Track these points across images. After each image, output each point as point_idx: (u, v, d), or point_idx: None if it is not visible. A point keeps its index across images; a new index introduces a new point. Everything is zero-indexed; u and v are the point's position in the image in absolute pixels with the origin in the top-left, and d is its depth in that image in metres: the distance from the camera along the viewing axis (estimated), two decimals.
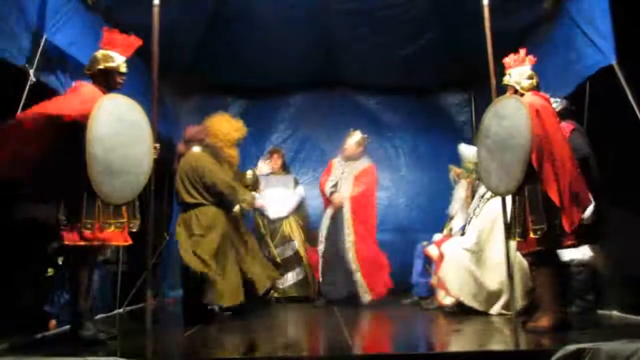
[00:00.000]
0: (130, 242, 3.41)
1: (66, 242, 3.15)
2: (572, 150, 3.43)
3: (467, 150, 4.91)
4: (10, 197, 3.20)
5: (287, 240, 5.59)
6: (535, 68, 3.62)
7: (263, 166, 5.22)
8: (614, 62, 3.70)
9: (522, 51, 3.65)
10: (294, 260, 5.57)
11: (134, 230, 3.41)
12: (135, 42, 3.45)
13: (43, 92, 3.42)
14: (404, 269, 5.85)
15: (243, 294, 4.30)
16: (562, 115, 3.91)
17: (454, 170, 5.15)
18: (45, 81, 3.60)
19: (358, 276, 5.08)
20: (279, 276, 5.07)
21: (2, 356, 2.76)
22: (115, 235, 3.28)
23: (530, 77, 3.56)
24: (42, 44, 3.51)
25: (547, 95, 3.58)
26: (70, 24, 3.86)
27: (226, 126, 4.63)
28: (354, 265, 5.08)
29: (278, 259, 5.49)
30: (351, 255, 5.10)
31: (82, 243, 3.16)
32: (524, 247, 3.45)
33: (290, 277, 5.54)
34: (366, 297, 5.08)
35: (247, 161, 5.40)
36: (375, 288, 5.13)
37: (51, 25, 3.63)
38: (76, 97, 3.15)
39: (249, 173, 4.90)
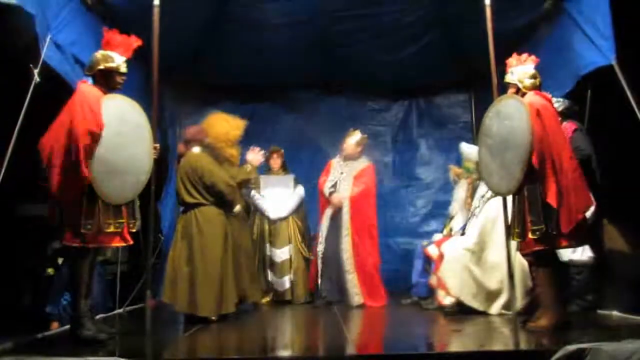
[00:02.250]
0: (130, 242, 3.41)
1: (66, 243, 3.16)
2: (574, 150, 3.43)
3: (468, 150, 4.90)
4: (11, 198, 3.20)
5: (288, 242, 5.57)
6: (535, 67, 3.62)
7: (254, 157, 4.85)
8: (613, 62, 3.70)
9: (525, 55, 3.64)
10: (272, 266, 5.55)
11: (134, 230, 3.42)
12: (135, 42, 3.45)
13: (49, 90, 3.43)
14: (403, 270, 5.87)
15: (233, 303, 4.24)
16: (564, 115, 3.92)
17: (454, 170, 5.15)
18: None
19: (352, 277, 5.07)
20: (260, 296, 4.90)
21: (3, 356, 2.76)
22: (115, 235, 3.29)
23: (533, 77, 3.55)
24: (46, 43, 3.51)
25: (549, 96, 3.57)
26: (72, 23, 3.88)
27: (225, 126, 4.59)
28: (348, 265, 5.08)
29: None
30: (347, 255, 5.10)
31: (82, 244, 3.16)
32: (524, 247, 3.45)
33: (288, 280, 5.49)
34: (357, 298, 5.04)
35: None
36: (368, 293, 5.09)
37: (55, 25, 3.64)
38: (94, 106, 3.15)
39: (247, 166, 4.81)
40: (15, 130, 3.20)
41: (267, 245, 5.53)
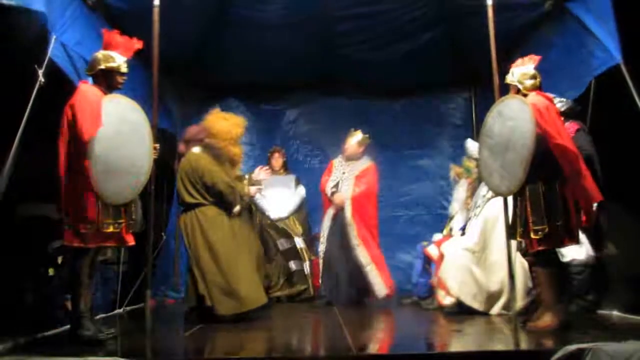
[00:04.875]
0: (129, 243, 3.41)
1: (66, 243, 3.16)
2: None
3: (473, 147, 4.76)
4: (12, 197, 3.20)
5: (287, 235, 5.60)
6: (539, 68, 3.59)
7: (260, 172, 4.93)
8: (620, 62, 3.69)
9: (532, 57, 3.64)
10: (292, 254, 5.60)
11: (138, 230, 3.42)
12: (136, 44, 3.45)
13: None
14: (404, 270, 5.88)
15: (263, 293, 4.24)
16: (567, 115, 3.91)
17: (455, 169, 5.14)
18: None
19: (371, 269, 5.05)
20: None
21: (3, 356, 2.77)
22: (114, 235, 3.28)
23: (533, 77, 3.53)
24: (51, 44, 3.50)
25: (551, 96, 3.57)
26: (77, 23, 3.88)
27: (225, 124, 4.57)
28: (365, 260, 5.05)
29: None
30: (361, 251, 5.07)
31: (82, 244, 3.16)
32: (527, 247, 3.45)
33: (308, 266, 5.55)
34: (382, 290, 5.03)
35: (248, 161, 5.39)
36: (388, 283, 5.11)
37: (59, 26, 3.64)
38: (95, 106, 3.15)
39: (245, 184, 4.82)
40: (19, 131, 3.19)
41: (282, 239, 5.56)
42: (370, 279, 5.06)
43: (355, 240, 5.12)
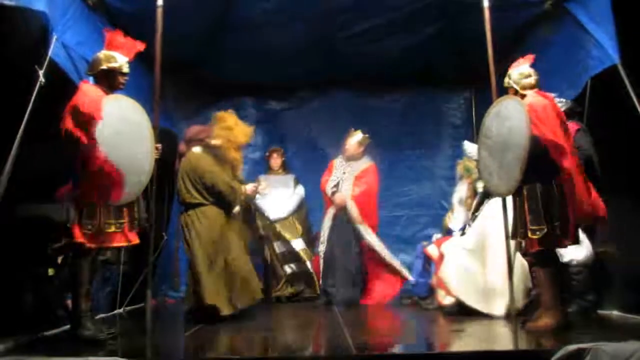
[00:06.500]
0: (132, 242, 3.41)
1: (67, 242, 3.16)
2: (576, 149, 3.42)
3: (471, 149, 4.81)
4: (12, 197, 3.20)
5: (296, 235, 5.61)
6: (537, 67, 3.59)
7: (251, 188, 4.72)
8: (618, 62, 3.69)
9: (529, 56, 3.63)
10: (292, 258, 5.61)
11: (143, 228, 3.43)
12: (139, 45, 3.45)
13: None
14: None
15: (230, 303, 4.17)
16: (567, 115, 3.91)
17: (461, 164, 5.11)
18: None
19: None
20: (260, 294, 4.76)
21: (3, 356, 2.77)
22: (116, 235, 3.28)
23: (529, 75, 3.53)
24: (52, 44, 3.49)
25: (552, 95, 3.57)
26: (78, 24, 3.88)
27: (234, 128, 4.59)
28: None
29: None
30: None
31: (84, 244, 3.16)
32: (526, 247, 3.45)
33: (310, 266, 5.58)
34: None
35: (249, 161, 5.38)
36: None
37: (61, 26, 3.63)
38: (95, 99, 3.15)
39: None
40: (19, 131, 3.19)
41: (279, 242, 5.56)
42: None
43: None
